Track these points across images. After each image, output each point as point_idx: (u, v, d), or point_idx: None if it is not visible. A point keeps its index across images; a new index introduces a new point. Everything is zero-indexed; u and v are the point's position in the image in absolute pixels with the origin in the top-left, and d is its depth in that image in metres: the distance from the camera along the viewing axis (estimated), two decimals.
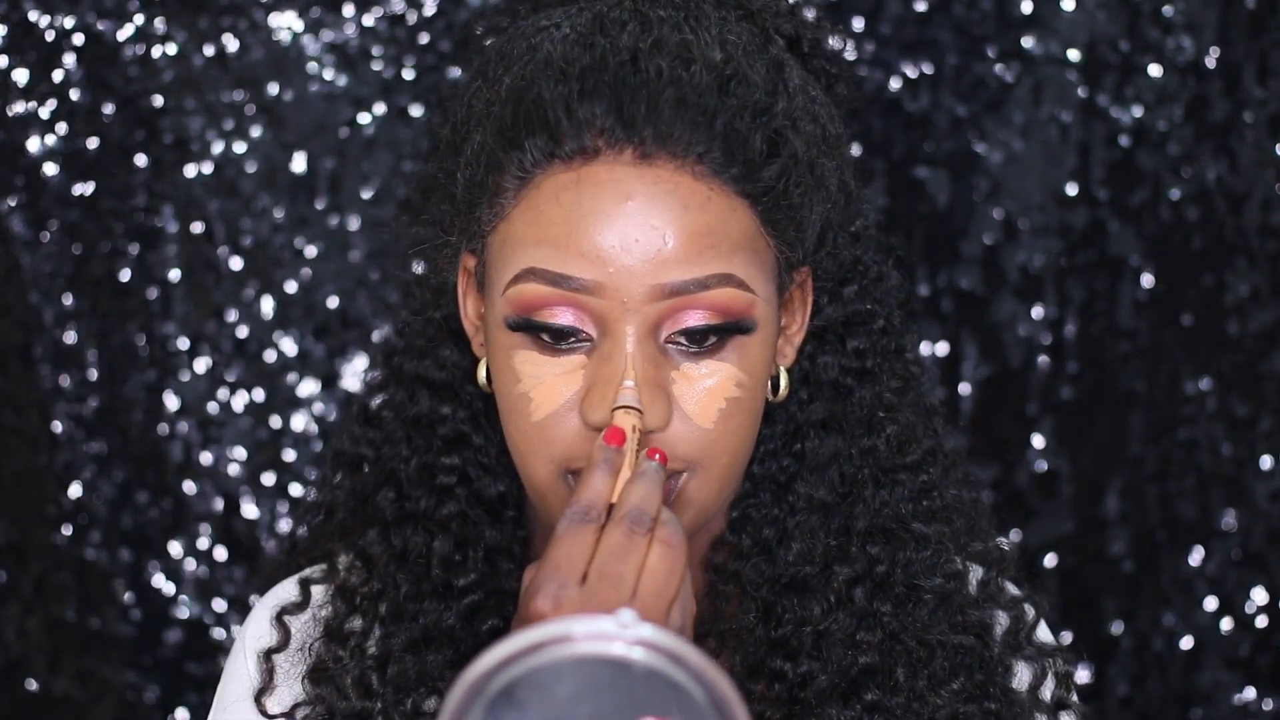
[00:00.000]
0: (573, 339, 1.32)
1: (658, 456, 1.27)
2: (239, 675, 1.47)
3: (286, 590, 1.50)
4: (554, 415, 1.32)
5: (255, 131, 2.06)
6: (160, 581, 2.10)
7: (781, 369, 1.41)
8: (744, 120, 1.31)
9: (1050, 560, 2.12)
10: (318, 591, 1.49)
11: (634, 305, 1.30)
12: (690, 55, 1.31)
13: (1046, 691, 1.46)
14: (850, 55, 2.01)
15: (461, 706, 1.05)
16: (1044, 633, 1.50)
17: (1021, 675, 1.47)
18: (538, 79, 1.32)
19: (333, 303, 2.08)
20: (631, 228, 1.29)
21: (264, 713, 1.45)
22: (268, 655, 1.46)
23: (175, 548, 2.10)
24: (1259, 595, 2.12)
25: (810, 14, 1.48)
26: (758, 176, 1.32)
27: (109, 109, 2.05)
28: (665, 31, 1.33)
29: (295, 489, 2.10)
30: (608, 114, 1.30)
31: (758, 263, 1.34)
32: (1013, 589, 1.50)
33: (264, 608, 1.49)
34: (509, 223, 1.33)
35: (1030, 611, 1.49)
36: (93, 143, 2.05)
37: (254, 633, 1.48)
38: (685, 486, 1.34)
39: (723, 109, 1.30)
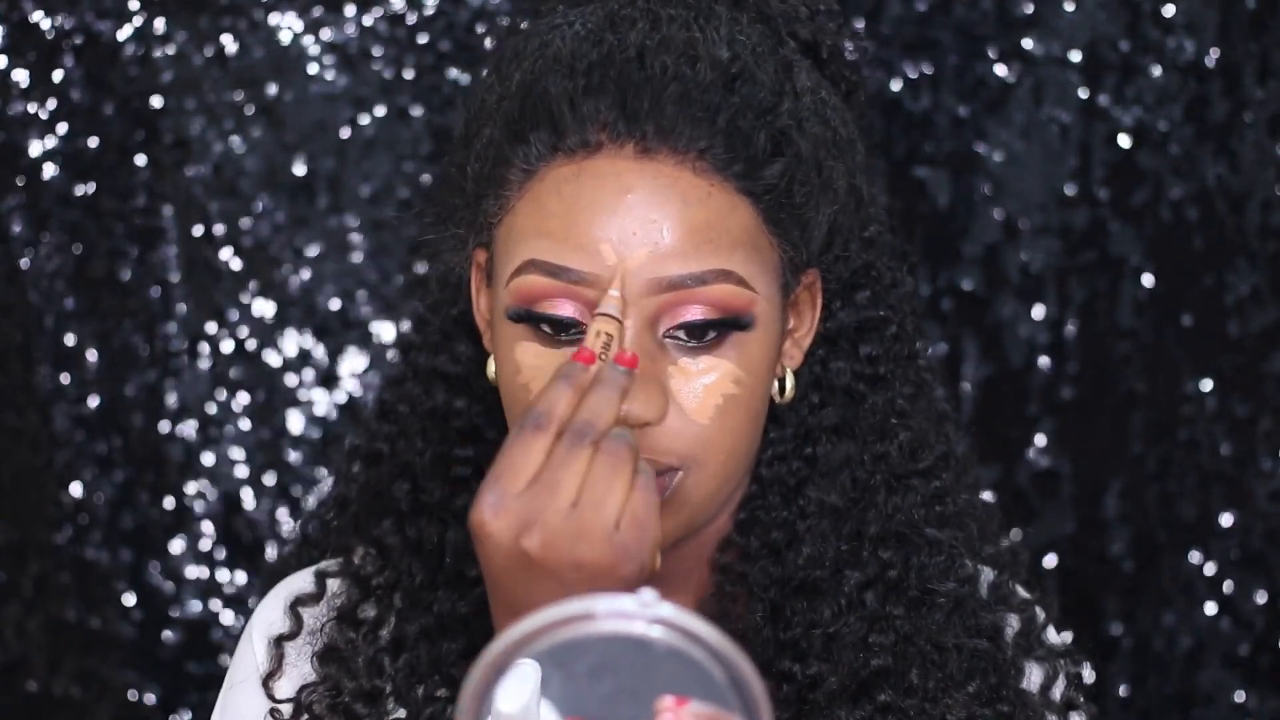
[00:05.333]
0: (574, 330, 1.32)
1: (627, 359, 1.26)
2: (245, 659, 1.47)
3: (301, 580, 1.50)
4: None
5: (255, 131, 2.06)
6: (160, 581, 2.10)
7: (788, 371, 1.41)
8: (747, 118, 1.31)
9: (1050, 560, 2.12)
10: (333, 584, 1.48)
11: (631, 298, 1.30)
12: (696, 53, 1.32)
13: (1057, 692, 1.46)
14: (853, 55, 2.02)
15: (484, 683, 1.06)
16: (1051, 634, 1.50)
17: (1032, 676, 1.47)
18: (545, 74, 1.32)
19: (333, 303, 2.08)
20: (630, 221, 1.29)
21: (271, 697, 1.45)
22: (278, 641, 1.46)
23: (175, 548, 2.09)
24: (1259, 595, 2.12)
25: (830, 20, 1.48)
26: (760, 175, 1.32)
27: (109, 109, 2.05)
28: (674, 30, 1.33)
29: (296, 489, 2.09)
30: (611, 109, 1.30)
31: (759, 261, 1.33)
32: (1022, 592, 1.50)
33: (277, 595, 1.48)
34: (513, 215, 1.33)
35: (1041, 614, 1.49)
36: (93, 143, 2.05)
37: (264, 618, 1.47)
38: (681, 484, 1.33)
39: (726, 106, 1.31)
